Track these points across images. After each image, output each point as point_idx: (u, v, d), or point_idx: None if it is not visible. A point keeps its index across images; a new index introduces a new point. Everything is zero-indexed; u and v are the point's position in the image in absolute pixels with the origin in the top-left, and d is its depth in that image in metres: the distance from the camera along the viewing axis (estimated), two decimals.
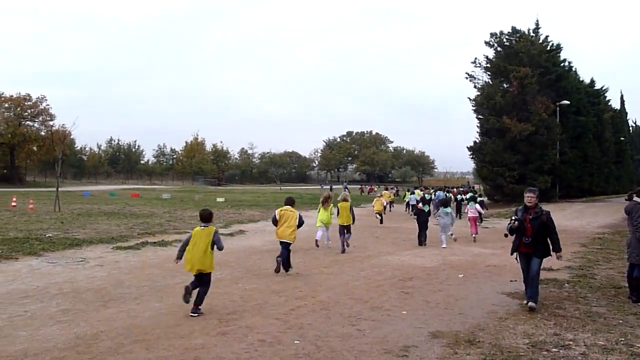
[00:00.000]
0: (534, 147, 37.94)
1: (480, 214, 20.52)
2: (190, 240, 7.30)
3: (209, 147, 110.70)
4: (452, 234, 15.88)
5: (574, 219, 26.81)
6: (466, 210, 19.94)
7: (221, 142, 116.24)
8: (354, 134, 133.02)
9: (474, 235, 17.60)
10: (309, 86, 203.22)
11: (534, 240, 7.71)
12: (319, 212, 14.83)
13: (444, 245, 15.36)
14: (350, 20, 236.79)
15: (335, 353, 5.66)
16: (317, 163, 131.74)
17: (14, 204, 26.06)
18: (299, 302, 8.03)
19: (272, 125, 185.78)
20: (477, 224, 18.93)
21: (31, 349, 5.55)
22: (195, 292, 7.20)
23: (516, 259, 8.13)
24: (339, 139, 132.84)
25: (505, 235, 8.44)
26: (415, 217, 17.12)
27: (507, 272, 11.04)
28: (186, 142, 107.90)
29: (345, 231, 14.31)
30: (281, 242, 10.60)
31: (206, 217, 7.50)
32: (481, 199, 26.79)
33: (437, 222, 16.46)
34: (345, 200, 14.89)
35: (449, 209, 16.19)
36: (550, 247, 7.87)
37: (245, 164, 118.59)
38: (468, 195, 25.44)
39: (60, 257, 11.52)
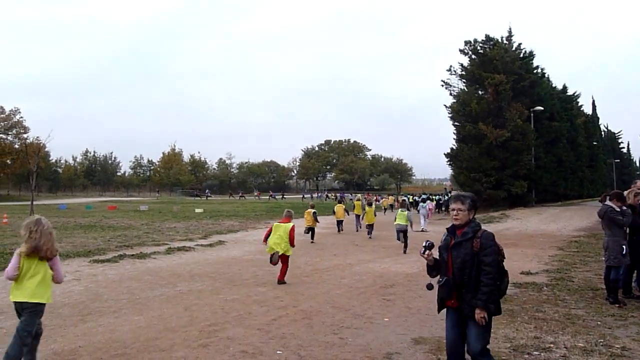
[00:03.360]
0: (509, 153, 38.46)
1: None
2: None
3: (186, 157, 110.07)
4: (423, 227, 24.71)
5: (550, 223, 27.20)
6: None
7: (199, 152, 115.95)
8: (332, 142, 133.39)
9: (427, 221, 26.85)
10: (286, 95, 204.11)
11: (458, 283, 4.47)
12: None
13: (424, 227, 24.64)
14: (328, 29, 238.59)
15: None
16: (295, 172, 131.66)
17: None
18: (280, 311, 7.97)
19: (250, 135, 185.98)
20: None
21: None
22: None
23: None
24: (317, 148, 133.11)
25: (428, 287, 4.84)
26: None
27: None
28: (163, 153, 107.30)
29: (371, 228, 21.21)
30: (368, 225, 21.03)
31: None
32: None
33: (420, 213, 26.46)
34: (370, 204, 22.34)
35: (425, 204, 27.34)
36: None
37: (224, 174, 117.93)
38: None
39: None
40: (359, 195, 42.23)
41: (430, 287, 4.75)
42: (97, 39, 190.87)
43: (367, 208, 21.60)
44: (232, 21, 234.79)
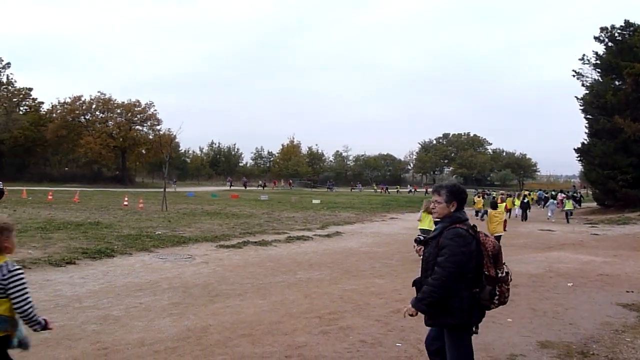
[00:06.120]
0: None
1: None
2: None
3: (304, 149, 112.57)
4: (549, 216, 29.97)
5: None
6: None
7: (316, 144, 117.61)
8: (450, 135, 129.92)
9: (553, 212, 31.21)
10: (404, 88, 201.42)
11: (424, 283, 4.01)
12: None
13: (550, 217, 29.81)
14: (446, 19, 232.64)
15: None
16: (412, 166, 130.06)
17: (125, 203, 27.84)
18: (398, 304, 7.91)
19: (367, 128, 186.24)
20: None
21: (147, 339, 5.90)
22: None
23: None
24: (434, 141, 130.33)
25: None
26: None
27: (622, 281, 10.32)
28: (282, 145, 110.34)
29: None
30: None
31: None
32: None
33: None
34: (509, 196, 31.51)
35: (555, 201, 33.17)
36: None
37: (340, 167, 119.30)
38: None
39: (169, 254, 12.18)
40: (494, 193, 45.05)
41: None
42: (223, 36, 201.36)
43: (508, 199, 29.98)
44: (353, 12, 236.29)
